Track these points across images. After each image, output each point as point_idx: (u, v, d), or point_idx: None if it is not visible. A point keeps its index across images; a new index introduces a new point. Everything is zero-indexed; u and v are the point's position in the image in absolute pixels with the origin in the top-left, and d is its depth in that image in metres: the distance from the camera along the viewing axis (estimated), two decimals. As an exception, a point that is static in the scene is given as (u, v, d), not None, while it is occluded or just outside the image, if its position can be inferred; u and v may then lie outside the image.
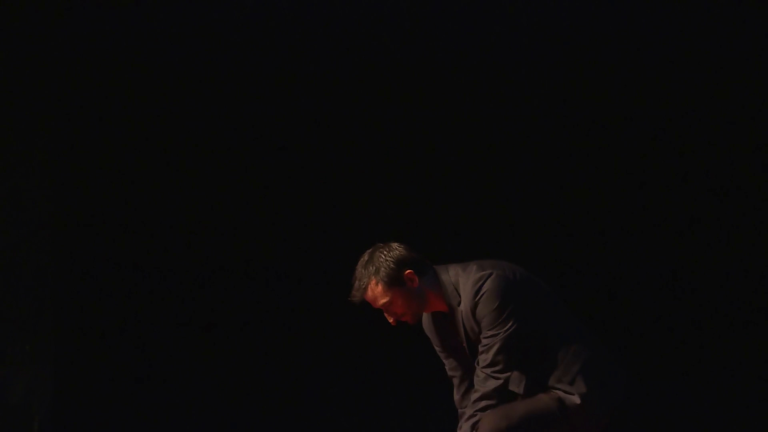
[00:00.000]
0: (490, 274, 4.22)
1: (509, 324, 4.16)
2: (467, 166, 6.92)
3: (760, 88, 6.69)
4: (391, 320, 4.31)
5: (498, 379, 4.15)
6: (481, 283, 4.20)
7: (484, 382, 4.18)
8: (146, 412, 6.87)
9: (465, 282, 4.24)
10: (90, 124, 6.93)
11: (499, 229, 6.78)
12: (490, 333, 4.18)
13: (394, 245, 4.28)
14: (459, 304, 4.25)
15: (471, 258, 4.39)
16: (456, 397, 4.47)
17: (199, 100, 6.93)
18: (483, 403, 4.17)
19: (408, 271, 4.23)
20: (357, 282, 4.26)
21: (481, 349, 4.19)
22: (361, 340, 6.89)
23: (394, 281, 4.22)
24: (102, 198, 6.95)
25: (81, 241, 6.93)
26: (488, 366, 4.17)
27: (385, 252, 4.25)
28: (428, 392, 6.72)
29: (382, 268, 4.22)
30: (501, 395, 4.17)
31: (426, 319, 4.44)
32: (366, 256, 4.28)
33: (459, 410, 4.43)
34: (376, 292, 4.23)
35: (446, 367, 4.48)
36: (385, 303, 4.24)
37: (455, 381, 4.45)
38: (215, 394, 6.95)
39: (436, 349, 4.47)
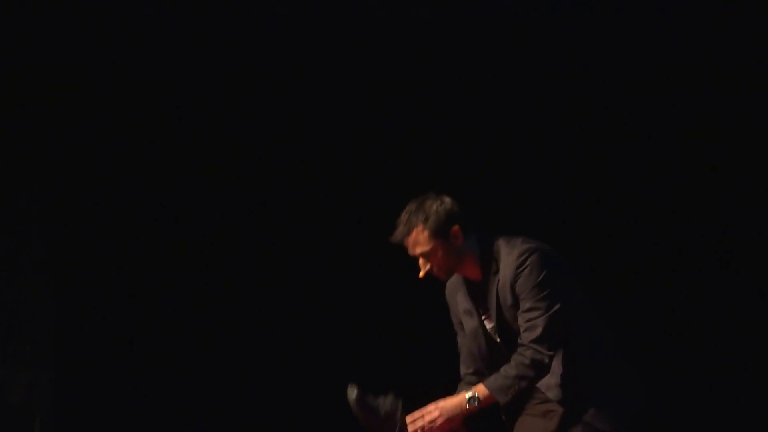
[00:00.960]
0: (536, 249, 4.15)
1: (553, 301, 4.09)
2: (473, 169, 6.93)
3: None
4: (422, 272, 4.24)
5: (542, 354, 4.07)
6: (526, 255, 4.14)
7: (528, 354, 4.09)
8: (147, 412, 6.86)
9: (508, 253, 4.17)
10: (88, 124, 6.92)
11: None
12: (531, 306, 4.10)
13: (447, 198, 4.22)
14: (496, 273, 4.19)
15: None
16: (463, 369, 4.41)
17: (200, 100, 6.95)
18: (524, 372, 4.08)
19: (456, 227, 4.18)
20: (403, 224, 4.20)
21: (525, 325, 4.10)
22: (361, 341, 6.90)
23: (439, 233, 4.17)
24: (103, 198, 6.95)
25: (82, 241, 6.92)
26: (534, 342, 4.08)
27: (437, 203, 4.19)
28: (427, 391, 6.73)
29: (432, 217, 4.17)
30: (541, 371, 4.09)
31: (452, 285, 4.37)
32: (415, 204, 4.22)
33: (463, 381, 4.37)
34: (419, 237, 4.17)
35: (458, 340, 4.41)
36: (424, 251, 4.18)
37: (464, 355, 4.38)
38: (216, 395, 6.94)
39: (454, 319, 4.39)
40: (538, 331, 4.07)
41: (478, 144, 6.95)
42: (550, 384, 4.17)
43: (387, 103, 6.92)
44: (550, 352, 4.07)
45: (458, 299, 4.36)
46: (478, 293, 4.27)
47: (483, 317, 4.28)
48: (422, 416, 4.10)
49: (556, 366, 4.15)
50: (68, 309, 6.87)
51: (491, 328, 4.25)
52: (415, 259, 4.25)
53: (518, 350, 4.11)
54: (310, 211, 6.99)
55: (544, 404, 4.20)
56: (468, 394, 4.11)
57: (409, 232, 4.19)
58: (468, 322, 4.32)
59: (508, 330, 4.21)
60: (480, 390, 4.10)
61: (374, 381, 6.79)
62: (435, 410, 4.10)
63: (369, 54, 6.83)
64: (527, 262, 4.12)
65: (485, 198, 6.88)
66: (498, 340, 4.25)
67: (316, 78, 6.91)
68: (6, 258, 6.76)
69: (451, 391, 4.33)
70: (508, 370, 4.09)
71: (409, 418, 4.12)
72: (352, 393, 4.11)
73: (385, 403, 4.12)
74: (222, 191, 7.01)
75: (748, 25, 6.60)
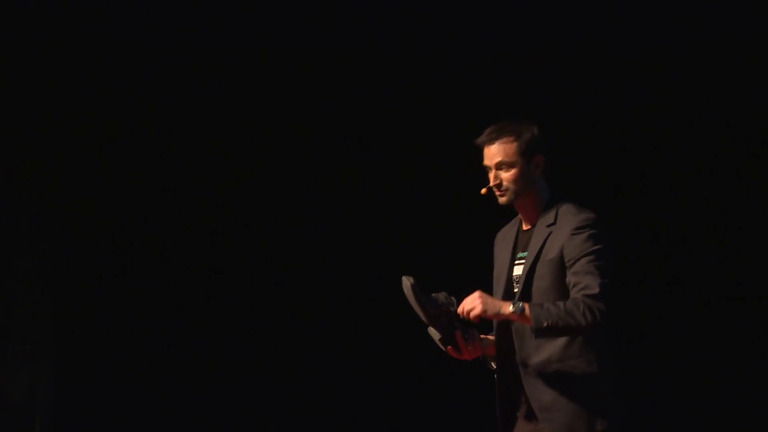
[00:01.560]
0: (603, 224, 4.12)
1: (607, 272, 4.01)
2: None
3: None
4: (485, 188, 4.20)
5: (595, 309, 3.95)
6: (590, 222, 4.09)
7: (582, 303, 3.98)
8: (147, 411, 6.86)
9: (574, 213, 4.13)
10: (88, 124, 6.93)
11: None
12: (585, 270, 4.02)
13: (541, 130, 4.23)
14: (551, 225, 4.15)
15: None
16: None
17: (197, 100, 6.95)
18: (571, 313, 3.96)
19: (542, 156, 4.19)
20: (494, 131, 4.19)
21: (580, 285, 4.02)
22: (360, 341, 6.90)
23: (526, 152, 4.16)
24: (103, 198, 6.95)
25: (82, 240, 6.93)
26: (591, 297, 3.98)
27: (534, 127, 4.20)
28: (425, 393, 6.74)
29: (526, 135, 4.17)
30: (586, 323, 3.96)
31: (502, 234, 4.34)
32: (510, 120, 4.21)
33: None
34: (506, 148, 4.16)
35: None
36: (503, 162, 4.16)
37: None
38: (216, 394, 6.95)
39: (494, 275, 4.33)
40: (596, 290, 3.98)
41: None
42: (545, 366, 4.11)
43: (387, 103, 6.90)
44: (603, 313, 3.97)
45: (502, 246, 4.35)
46: (523, 241, 4.24)
47: (515, 262, 4.24)
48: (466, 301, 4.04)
49: (560, 352, 4.09)
50: (68, 309, 6.87)
51: (516, 276, 4.21)
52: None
53: (572, 298, 4.04)
54: (308, 212, 7.00)
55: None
56: (516, 303, 4.03)
57: (497, 138, 4.18)
58: (498, 265, 4.30)
59: (529, 283, 4.16)
60: (526, 306, 4.01)
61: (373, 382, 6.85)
62: (478, 297, 4.02)
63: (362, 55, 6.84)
64: (588, 228, 4.08)
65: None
66: (515, 291, 4.20)
67: (312, 77, 6.92)
68: (6, 257, 6.77)
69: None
70: (560, 304, 4.00)
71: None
72: (408, 281, 4.04)
73: (439, 296, 4.10)
74: (221, 192, 7.01)
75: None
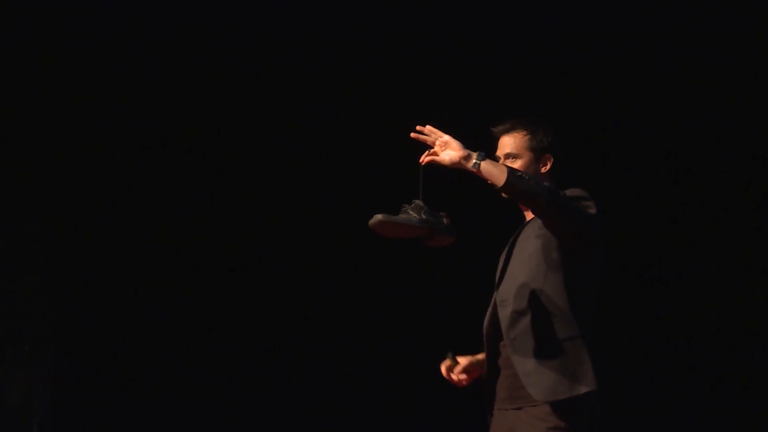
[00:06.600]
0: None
1: (593, 213, 4.09)
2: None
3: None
4: None
5: (559, 195, 3.98)
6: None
7: (556, 190, 4.03)
8: (145, 413, 6.86)
9: None
10: (88, 124, 6.94)
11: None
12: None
13: (558, 137, 4.31)
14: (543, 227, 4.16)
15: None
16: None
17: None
18: (538, 181, 4.02)
19: (551, 156, 4.27)
20: (510, 123, 4.30)
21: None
22: (361, 339, 6.90)
23: (535, 149, 4.26)
24: (101, 199, 6.96)
25: (81, 242, 6.93)
26: (568, 196, 4.06)
27: (552, 131, 4.30)
28: (425, 392, 6.73)
29: (540, 133, 4.27)
30: (547, 195, 3.93)
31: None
32: (532, 118, 4.32)
33: None
34: (516, 140, 4.27)
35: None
36: (510, 153, 4.25)
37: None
38: (214, 395, 6.95)
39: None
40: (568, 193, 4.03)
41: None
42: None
43: (387, 102, 6.90)
44: (567, 203, 3.98)
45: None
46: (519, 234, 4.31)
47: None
48: (435, 132, 4.04)
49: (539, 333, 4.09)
50: (66, 310, 6.87)
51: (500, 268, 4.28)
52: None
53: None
54: (306, 211, 7.00)
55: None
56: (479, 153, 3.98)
57: (511, 131, 4.29)
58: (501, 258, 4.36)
59: (502, 277, 4.20)
60: (489, 159, 3.99)
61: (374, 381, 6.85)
62: (448, 137, 4.02)
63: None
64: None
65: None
66: (496, 281, 4.21)
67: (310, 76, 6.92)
68: (5, 259, 6.77)
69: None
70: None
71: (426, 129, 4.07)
72: (377, 216, 4.01)
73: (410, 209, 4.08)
74: (220, 193, 7.02)
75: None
